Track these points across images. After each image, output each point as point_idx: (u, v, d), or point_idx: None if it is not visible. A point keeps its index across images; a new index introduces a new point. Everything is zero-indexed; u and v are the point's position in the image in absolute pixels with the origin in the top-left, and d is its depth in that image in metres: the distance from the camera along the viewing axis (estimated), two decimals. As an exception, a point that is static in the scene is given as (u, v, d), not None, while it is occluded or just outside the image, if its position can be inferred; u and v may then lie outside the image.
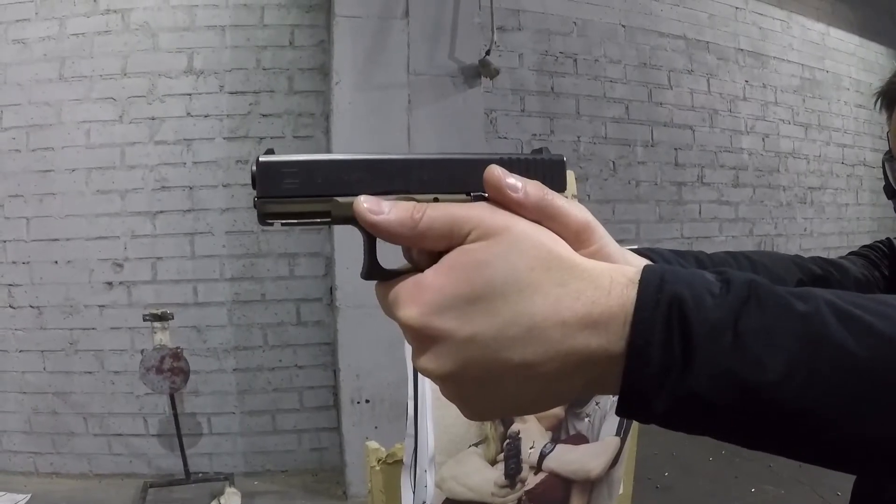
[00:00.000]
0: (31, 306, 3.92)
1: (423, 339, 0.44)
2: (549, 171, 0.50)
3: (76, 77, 3.89)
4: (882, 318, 0.40)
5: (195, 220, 3.96)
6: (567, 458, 1.06)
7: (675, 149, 4.86)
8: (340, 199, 0.46)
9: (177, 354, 3.53)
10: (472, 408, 0.47)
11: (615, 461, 1.11)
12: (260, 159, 0.46)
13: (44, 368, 3.92)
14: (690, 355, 0.40)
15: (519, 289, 0.42)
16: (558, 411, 1.23)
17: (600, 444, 1.08)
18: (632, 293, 0.41)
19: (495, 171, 0.45)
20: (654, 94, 4.80)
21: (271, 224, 0.47)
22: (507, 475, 1.01)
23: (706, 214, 5.04)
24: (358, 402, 3.64)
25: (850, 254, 1.09)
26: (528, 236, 0.43)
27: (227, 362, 4.01)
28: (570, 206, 0.47)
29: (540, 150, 0.52)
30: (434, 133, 3.62)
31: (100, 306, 3.92)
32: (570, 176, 1.22)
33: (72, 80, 3.88)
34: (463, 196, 0.47)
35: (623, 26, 4.73)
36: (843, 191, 6.23)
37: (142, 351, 3.66)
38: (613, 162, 4.54)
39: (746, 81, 5.42)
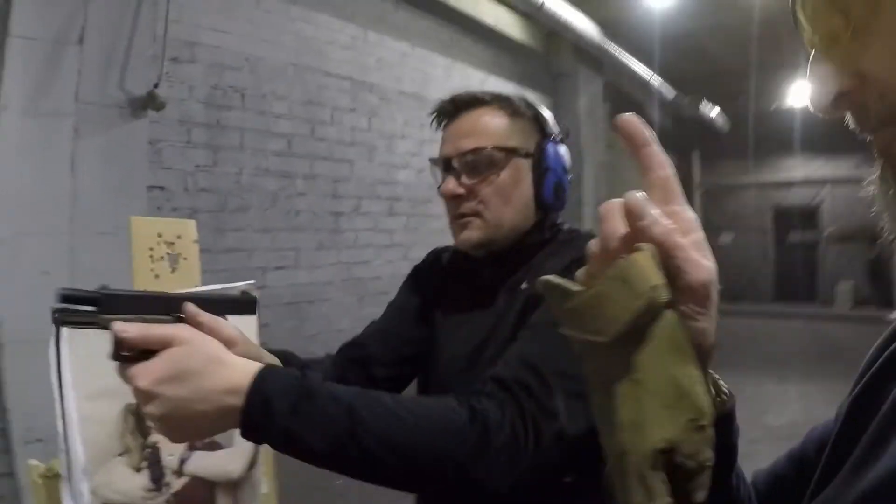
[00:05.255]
0: None
1: (148, 397, 0.77)
2: (237, 306, 0.91)
3: None
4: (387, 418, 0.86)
5: None
6: (206, 463, 1.23)
7: (335, 181, 5.30)
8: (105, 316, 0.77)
9: None
10: (172, 436, 0.82)
11: (253, 462, 1.26)
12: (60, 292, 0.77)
13: None
14: (272, 422, 0.79)
15: (195, 372, 0.77)
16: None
17: (237, 448, 1.22)
18: (250, 381, 0.79)
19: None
20: (317, 129, 5.21)
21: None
22: (152, 480, 1.18)
23: (362, 241, 5.53)
24: (29, 443, 3.44)
25: None
26: (202, 342, 0.80)
27: None
28: (222, 326, 0.85)
29: (245, 293, 0.94)
30: (98, 163, 3.56)
31: None
32: (193, 232, 1.49)
33: None
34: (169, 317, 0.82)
35: (294, 65, 5.08)
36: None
37: None
38: (274, 193, 4.77)
39: (405, 121, 6.10)
